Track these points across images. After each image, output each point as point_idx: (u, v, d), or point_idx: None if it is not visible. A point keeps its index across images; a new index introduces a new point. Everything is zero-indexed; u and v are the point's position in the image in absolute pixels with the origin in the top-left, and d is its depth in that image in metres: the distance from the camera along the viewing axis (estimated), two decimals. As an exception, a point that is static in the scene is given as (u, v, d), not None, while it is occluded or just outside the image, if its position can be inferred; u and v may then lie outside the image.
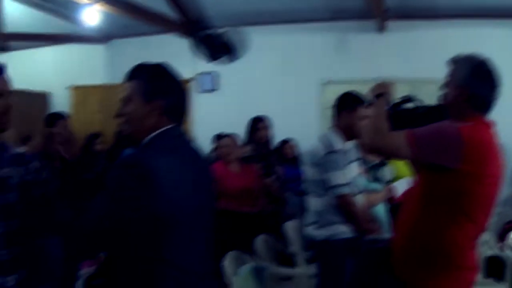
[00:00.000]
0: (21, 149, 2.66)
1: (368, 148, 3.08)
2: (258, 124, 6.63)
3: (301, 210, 4.99)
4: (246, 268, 4.33)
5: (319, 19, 8.72)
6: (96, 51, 10.08)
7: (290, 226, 5.79)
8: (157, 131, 2.19)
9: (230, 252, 4.54)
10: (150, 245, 2.07)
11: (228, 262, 4.37)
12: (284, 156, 7.46)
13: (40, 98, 10.25)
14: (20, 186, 2.39)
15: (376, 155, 4.34)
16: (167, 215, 2.07)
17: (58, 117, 5.04)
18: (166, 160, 2.11)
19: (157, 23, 8.53)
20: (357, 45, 8.69)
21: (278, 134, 7.14)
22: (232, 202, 5.60)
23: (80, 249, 2.16)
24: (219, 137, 7.75)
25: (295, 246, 5.62)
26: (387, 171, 4.87)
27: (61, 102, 10.21)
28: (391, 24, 8.46)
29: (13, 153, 2.50)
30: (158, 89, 2.21)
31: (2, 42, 11.08)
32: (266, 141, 6.69)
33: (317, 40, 8.84)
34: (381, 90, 2.92)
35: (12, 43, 11.00)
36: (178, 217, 2.11)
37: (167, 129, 2.20)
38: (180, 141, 2.27)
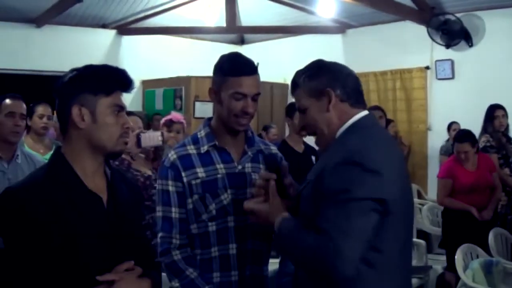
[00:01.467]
0: (272, 149, 2.66)
1: None
2: (496, 112, 6.35)
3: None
4: (477, 262, 4.26)
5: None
6: (333, 41, 10.30)
7: (526, 220, 5.53)
8: (349, 122, 2.04)
9: (463, 245, 4.49)
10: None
11: (460, 255, 4.34)
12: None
13: (280, 89, 10.74)
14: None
15: None
16: (392, 210, 1.88)
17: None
18: (379, 150, 1.92)
19: (392, 10, 8.54)
20: None
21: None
22: (465, 198, 5.41)
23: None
24: (449, 126, 7.60)
25: (529, 241, 5.37)
26: None
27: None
28: None
29: (259, 149, 2.53)
30: (320, 81, 2.07)
31: (241, 35, 11.86)
32: (504, 130, 6.39)
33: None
34: None
35: (250, 36, 11.71)
36: (398, 213, 1.92)
37: (360, 118, 2.05)
38: (377, 129, 2.09)
